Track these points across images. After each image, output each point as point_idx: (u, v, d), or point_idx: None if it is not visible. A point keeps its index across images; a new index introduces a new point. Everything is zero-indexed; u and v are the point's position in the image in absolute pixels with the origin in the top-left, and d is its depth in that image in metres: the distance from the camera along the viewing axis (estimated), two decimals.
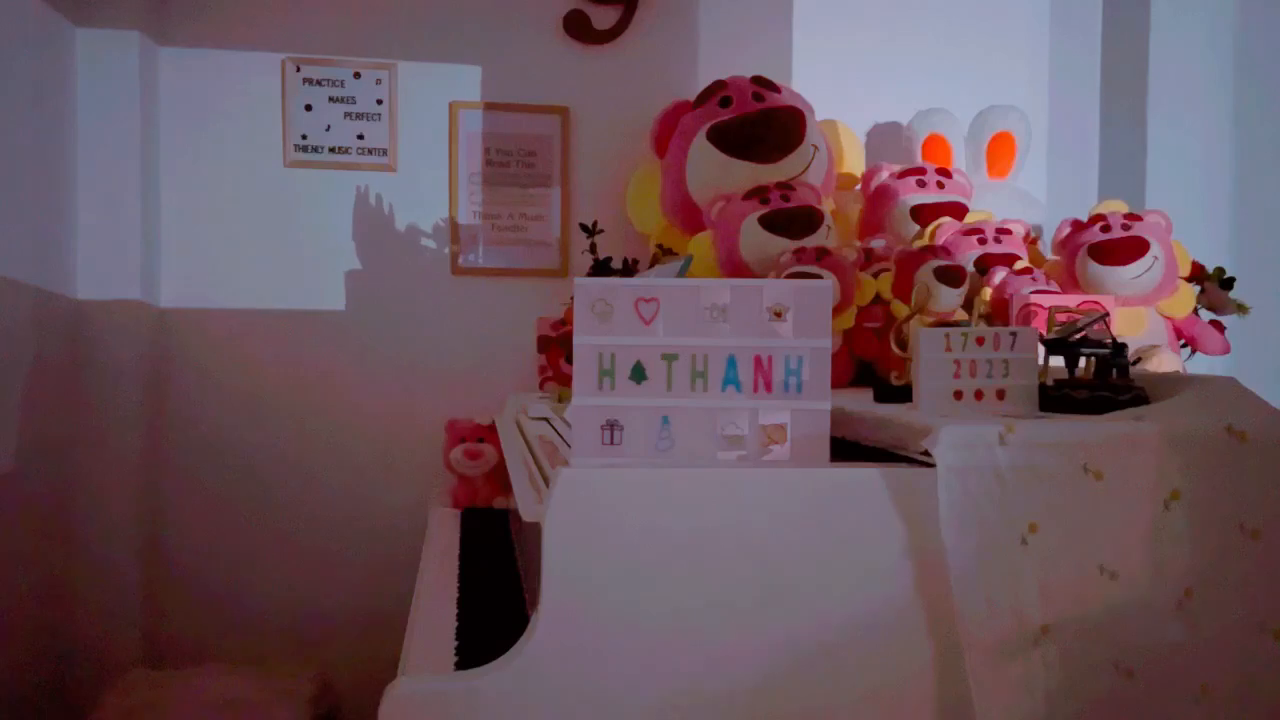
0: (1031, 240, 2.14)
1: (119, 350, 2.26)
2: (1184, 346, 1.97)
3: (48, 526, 2.15)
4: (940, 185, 2.19)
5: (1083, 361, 1.24)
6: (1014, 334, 1.20)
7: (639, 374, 1.05)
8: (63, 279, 2.20)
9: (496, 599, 1.51)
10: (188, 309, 2.40)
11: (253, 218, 2.42)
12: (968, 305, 1.84)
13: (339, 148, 2.45)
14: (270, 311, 2.43)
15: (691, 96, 2.22)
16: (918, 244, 1.94)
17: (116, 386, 2.26)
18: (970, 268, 1.91)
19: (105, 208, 2.25)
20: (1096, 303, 1.75)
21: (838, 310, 1.78)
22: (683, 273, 1.57)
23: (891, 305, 1.83)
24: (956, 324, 1.47)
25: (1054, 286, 1.84)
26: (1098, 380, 1.22)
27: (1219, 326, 2.01)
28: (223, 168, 2.41)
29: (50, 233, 2.16)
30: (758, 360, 1.06)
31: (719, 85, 2.17)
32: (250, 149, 2.42)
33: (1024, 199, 2.45)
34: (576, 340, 1.05)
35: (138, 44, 2.26)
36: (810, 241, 1.86)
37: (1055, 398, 1.21)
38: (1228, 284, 2.04)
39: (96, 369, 2.25)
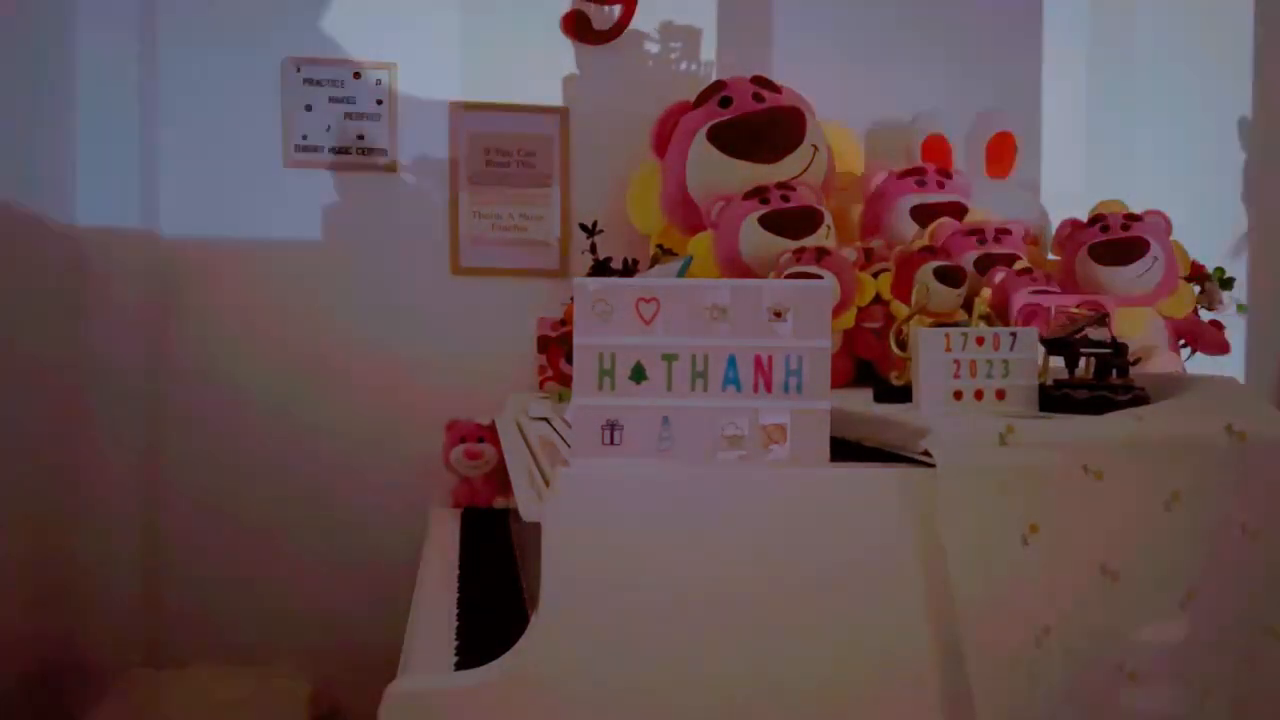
0: (1031, 240, 2.14)
1: (119, 349, 2.27)
2: (1184, 346, 1.97)
3: (48, 527, 2.14)
4: (940, 185, 2.19)
5: (1083, 361, 1.24)
6: (1014, 334, 1.20)
7: (639, 374, 1.05)
8: (64, 280, 2.20)
9: (496, 599, 1.51)
10: (188, 311, 2.39)
11: (252, 218, 2.42)
12: (968, 305, 1.84)
13: (339, 148, 2.45)
14: (267, 313, 2.42)
15: (691, 96, 2.22)
16: (918, 244, 1.94)
17: (116, 388, 2.27)
18: (970, 268, 1.91)
19: (105, 212, 2.25)
20: (1096, 303, 1.75)
21: (838, 310, 1.78)
22: (683, 273, 1.57)
23: (891, 305, 1.83)
24: (956, 324, 1.47)
25: (1054, 286, 1.84)
26: (1098, 380, 1.22)
27: (1219, 326, 2.01)
28: (222, 169, 2.41)
29: (50, 237, 2.16)
30: (758, 360, 1.06)
31: (719, 85, 2.17)
32: (250, 149, 2.42)
33: (1024, 199, 2.45)
34: (576, 340, 1.05)
35: (136, 50, 2.26)
36: (810, 241, 1.86)
37: (1055, 398, 1.21)
38: (1227, 284, 2.04)
39: (98, 372, 2.25)
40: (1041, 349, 1.26)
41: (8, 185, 1.98)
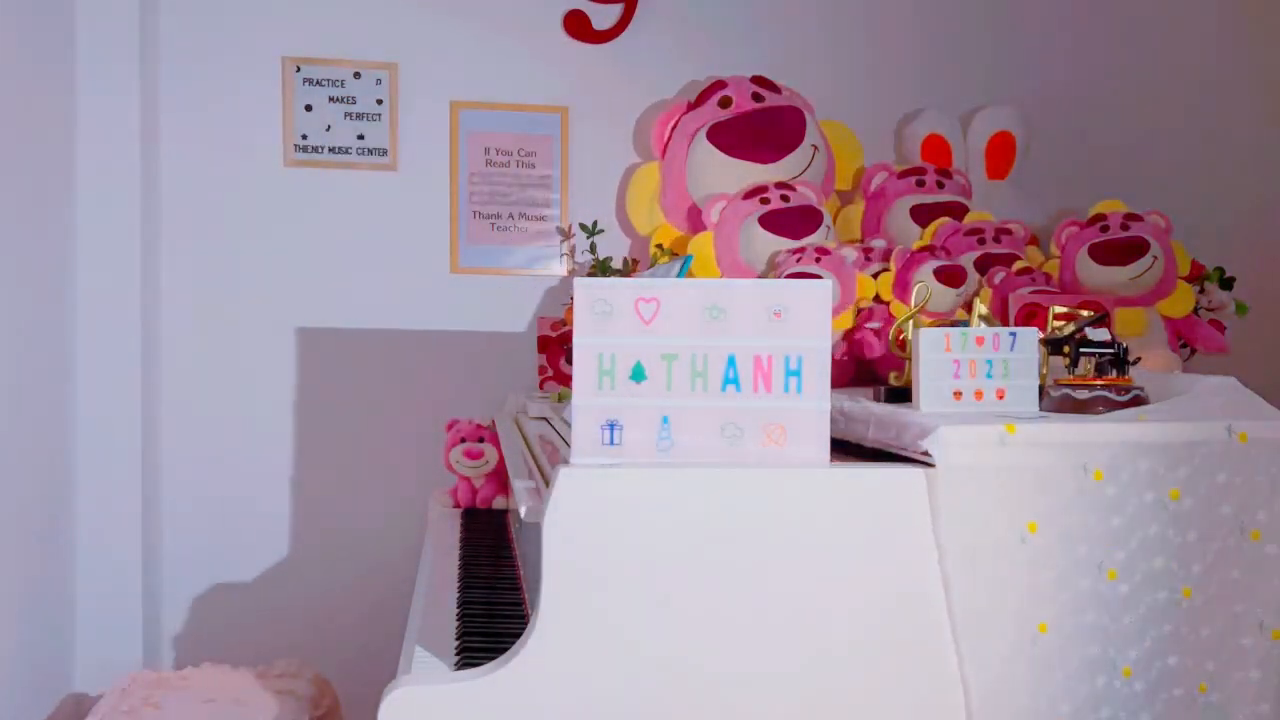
0: (1031, 240, 2.14)
1: (117, 350, 2.27)
2: (1184, 346, 1.97)
3: (48, 528, 2.15)
4: (940, 185, 2.19)
5: (1083, 361, 1.24)
6: (1014, 334, 1.20)
7: (639, 374, 1.05)
8: (62, 281, 2.20)
9: (496, 599, 1.52)
10: (187, 312, 2.39)
11: (253, 219, 2.42)
12: (968, 305, 1.84)
13: (339, 148, 2.44)
14: (269, 311, 2.43)
15: (691, 96, 2.22)
16: (918, 244, 1.94)
17: (115, 385, 2.27)
18: (970, 268, 1.91)
19: (105, 211, 2.25)
20: (1096, 303, 1.75)
21: (838, 310, 1.78)
22: (683, 273, 1.57)
23: (891, 305, 1.83)
24: (956, 324, 1.47)
25: (1054, 286, 1.84)
26: (1098, 380, 1.22)
27: (1219, 326, 2.01)
28: (222, 169, 2.41)
29: (49, 238, 2.16)
30: (758, 360, 1.05)
31: (719, 85, 2.18)
32: (250, 149, 2.42)
33: (1024, 199, 2.45)
34: (576, 340, 1.05)
35: (137, 50, 2.26)
36: (810, 241, 1.87)
37: (1055, 398, 1.21)
38: (1227, 284, 2.04)
39: (95, 368, 2.25)
40: (1041, 349, 1.26)
41: (7, 172, 1.99)
